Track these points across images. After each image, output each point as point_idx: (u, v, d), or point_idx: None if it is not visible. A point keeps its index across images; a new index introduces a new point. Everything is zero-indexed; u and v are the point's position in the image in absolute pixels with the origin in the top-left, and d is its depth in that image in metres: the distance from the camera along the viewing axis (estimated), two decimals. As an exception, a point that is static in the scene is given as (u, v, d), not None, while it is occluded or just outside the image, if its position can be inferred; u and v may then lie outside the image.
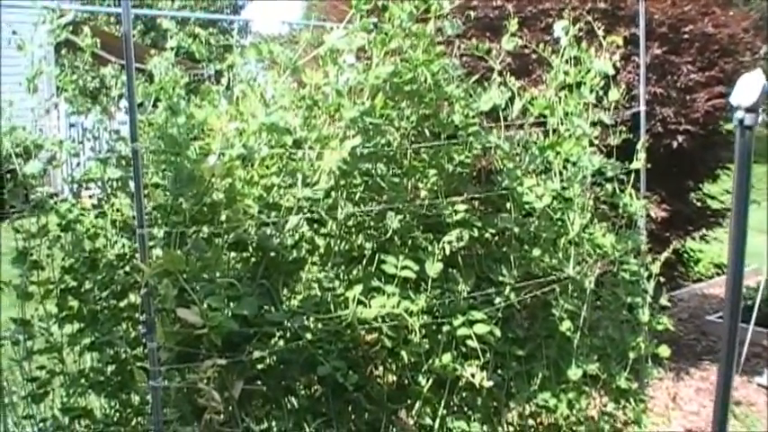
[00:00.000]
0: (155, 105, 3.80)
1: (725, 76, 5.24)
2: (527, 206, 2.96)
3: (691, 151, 5.19)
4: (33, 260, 3.60)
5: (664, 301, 3.69)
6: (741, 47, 5.44)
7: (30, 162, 3.73)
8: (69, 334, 3.59)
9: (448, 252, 2.66)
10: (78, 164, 3.90)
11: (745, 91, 1.40)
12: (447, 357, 2.67)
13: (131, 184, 3.15)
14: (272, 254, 2.39)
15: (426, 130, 2.80)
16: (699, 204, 5.95)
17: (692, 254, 6.52)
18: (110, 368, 3.61)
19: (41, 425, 3.66)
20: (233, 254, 2.47)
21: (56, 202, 3.68)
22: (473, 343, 2.64)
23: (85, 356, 3.66)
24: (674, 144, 5.04)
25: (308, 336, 2.44)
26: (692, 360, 6.07)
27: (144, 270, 2.19)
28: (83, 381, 3.61)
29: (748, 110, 1.38)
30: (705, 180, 5.95)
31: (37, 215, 3.58)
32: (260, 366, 2.49)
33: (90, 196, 3.77)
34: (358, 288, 2.43)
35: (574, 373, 3.09)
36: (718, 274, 8.60)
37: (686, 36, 5.15)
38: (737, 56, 5.44)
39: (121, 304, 3.55)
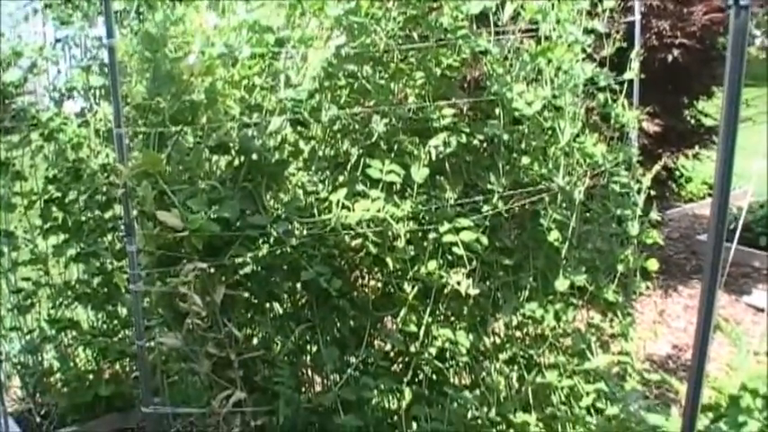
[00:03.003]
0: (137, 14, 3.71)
1: (724, -11, 5.11)
2: (516, 113, 2.89)
3: (686, 66, 5.10)
4: (15, 171, 3.55)
5: (653, 215, 3.65)
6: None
7: (9, 70, 3.65)
8: (54, 245, 3.59)
9: (434, 157, 2.61)
10: (59, 71, 3.80)
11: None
12: (433, 264, 2.64)
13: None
14: (255, 156, 2.33)
15: (414, 33, 2.71)
16: (693, 121, 5.87)
17: (684, 172, 6.47)
18: (96, 280, 3.61)
19: (28, 336, 3.67)
20: (214, 156, 2.41)
21: (37, 111, 3.61)
22: (459, 250, 2.60)
23: (71, 268, 3.66)
24: (670, 58, 4.94)
25: (292, 241, 2.40)
26: (681, 278, 6.09)
27: (122, 171, 2.14)
28: (69, 292, 3.62)
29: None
30: (700, 97, 5.85)
31: (18, 125, 3.53)
32: (243, 272, 2.46)
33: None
34: (342, 192, 2.38)
35: (561, 283, 3.08)
36: (709, 195, 8.56)
37: (686, -54, 5.02)
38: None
39: (106, 215, 3.52)
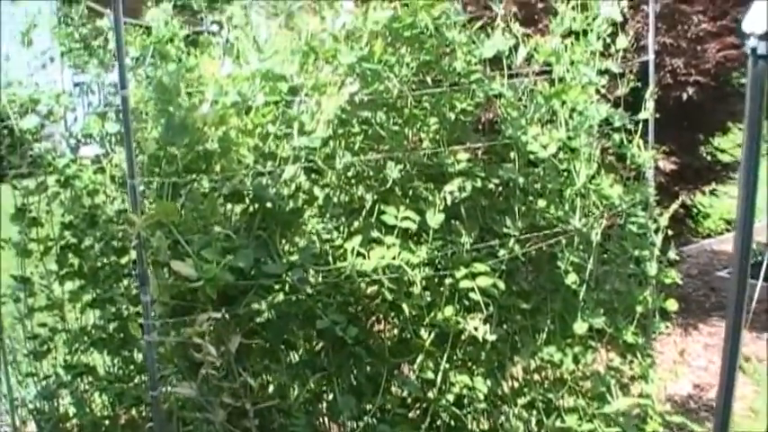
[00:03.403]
0: (153, 58, 3.74)
1: (737, 26, 5.10)
2: (532, 156, 2.88)
3: (701, 103, 5.07)
4: (32, 217, 3.55)
5: (672, 254, 3.62)
6: (755, -5, 5.27)
7: (26, 117, 3.67)
8: (70, 291, 3.56)
9: (450, 203, 2.59)
10: (76, 119, 3.82)
11: (758, 17, 1.31)
12: (449, 310, 2.61)
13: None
14: (269, 204, 2.32)
15: (427, 78, 2.71)
16: (709, 158, 5.84)
17: (701, 209, 6.42)
18: (111, 325, 3.59)
19: (44, 382, 3.65)
20: (228, 205, 2.40)
21: (54, 157, 3.63)
22: (476, 296, 2.58)
23: (87, 313, 3.64)
24: (684, 96, 4.92)
25: (307, 288, 2.38)
26: (701, 316, 6.01)
27: (135, 222, 2.13)
28: (85, 338, 3.59)
29: (762, 37, 1.30)
30: (716, 133, 5.83)
31: (35, 171, 3.54)
32: (258, 320, 2.44)
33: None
34: (357, 239, 2.36)
35: (580, 326, 3.03)
36: (727, 230, 8.51)
37: (698, -17, 5.01)
38: (750, 4, 5.28)
39: (122, 261, 3.51)
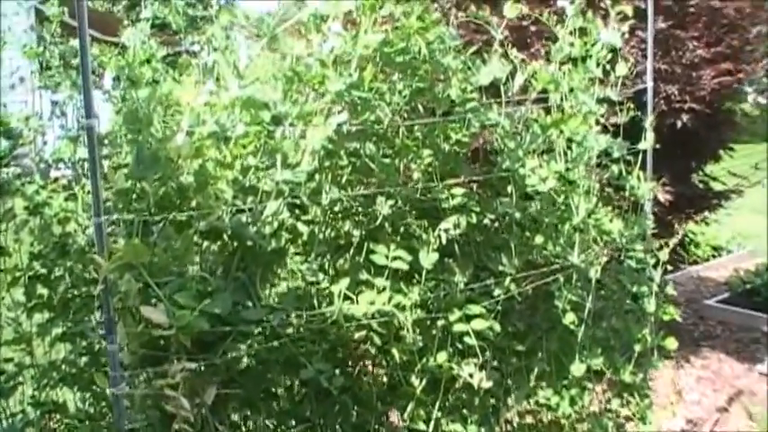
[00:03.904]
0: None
1: (732, 53, 5.01)
2: (529, 189, 2.72)
3: (695, 131, 4.97)
4: (-1, 245, 3.41)
5: (670, 290, 3.49)
6: (748, 21, 5.19)
7: (-7, 141, 3.52)
8: (39, 324, 3.42)
9: (444, 240, 2.42)
10: (46, 142, 3.66)
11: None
12: (442, 356, 2.44)
13: (105, 163, 2.93)
14: (249, 243, 2.13)
15: (420, 106, 2.54)
16: (701, 186, 5.74)
17: (693, 236, 6.34)
18: (82, 359, 3.42)
19: (11, 420, 3.48)
20: (205, 244, 2.21)
21: (23, 183, 3.48)
22: (471, 340, 2.40)
23: (57, 347, 3.48)
24: (679, 123, 4.81)
25: (290, 332, 2.20)
26: (691, 346, 5.91)
27: (102, 264, 1.94)
28: (54, 373, 3.44)
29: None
30: (708, 161, 5.74)
31: (2, 197, 3.39)
32: (236, 368, 2.25)
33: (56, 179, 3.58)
34: (345, 282, 2.18)
35: (577, 368, 2.88)
36: (713, 257, 8.44)
37: (692, 9, 4.91)
38: (744, 31, 5.20)
39: (94, 292, 3.35)
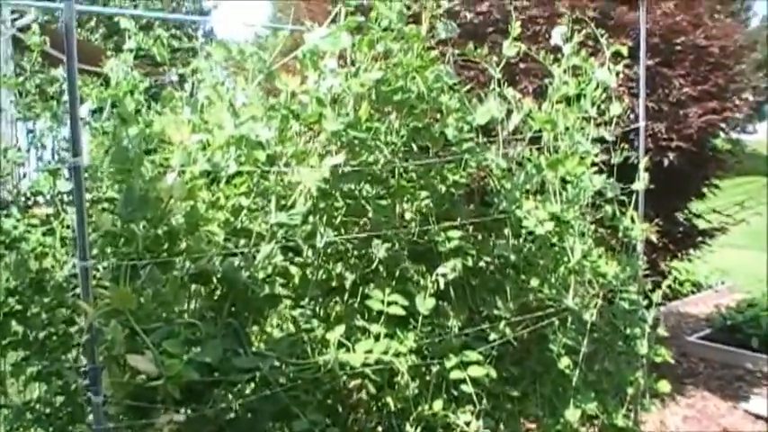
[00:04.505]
0: (112, 111, 3.50)
1: (717, 91, 5.00)
2: (524, 230, 2.66)
3: (680, 168, 4.94)
4: (-27, 281, 3.31)
5: (661, 330, 3.43)
6: (733, 60, 5.20)
7: (-31, 173, 3.43)
8: (13, 363, 3.31)
9: (441, 285, 2.34)
10: (25, 174, 3.57)
11: None
12: (438, 404, 2.35)
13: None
14: (241, 288, 2.04)
15: (415, 146, 2.47)
16: (686, 223, 5.72)
17: (677, 273, 6.33)
18: (58, 399, 3.32)
19: (-18, 463, 3.36)
20: (194, 288, 2.11)
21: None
22: (468, 388, 2.32)
23: (32, 387, 3.38)
24: (666, 161, 4.78)
25: (282, 381, 2.10)
26: (675, 384, 5.84)
27: (87, 310, 1.84)
28: (28, 413, 3.33)
29: None
30: (692, 198, 5.72)
31: (-23, 231, 3.30)
32: (226, 417, 2.15)
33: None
34: (339, 329, 2.09)
35: (572, 414, 2.81)
36: (693, 293, 8.45)
37: (679, 48, 4.91)
38: (728, 70, 5.21)
39: (71, 329, 3.26)
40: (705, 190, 5.77)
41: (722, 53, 5.06)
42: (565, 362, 2.79)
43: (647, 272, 3.55)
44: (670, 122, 4.78)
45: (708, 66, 5.00)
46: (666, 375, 5.74)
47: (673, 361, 3.65)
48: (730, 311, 7.00)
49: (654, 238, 3.82)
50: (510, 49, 2.65)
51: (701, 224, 5.86)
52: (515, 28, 2.69)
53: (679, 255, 5.55)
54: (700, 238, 5.69)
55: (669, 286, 6.18)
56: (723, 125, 5.24)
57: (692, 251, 5.84)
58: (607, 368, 3.20)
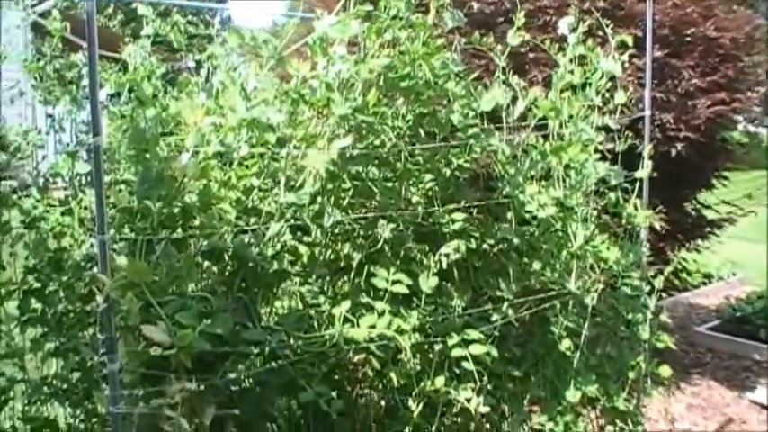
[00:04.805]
0: (129, 96, 3.59)
1: (727, 82, 5.04)
2: (527, 215, 2.74)
3: (688, 159, 4.99)
4: (-6, 259, 3.39)
5: (664, 317, 3.50)
6: (743, 51, 5.24)
7: (-8, 154, 3.53)
8: (32, 338, 3.40)
9: (445, 265, 2.42)
10: (45, 156, 3.66)
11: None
12: (440, 380, 2.44)
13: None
14: (251, 264, 2.13)
15: (422, 131, 2.55)
16: (694, 214, 5.76)
17: (684, 263, 6.35)
18: (75, 375, 3.41)
19: (0, 435, 3.46)
20: (206, 264, 2.21)
21: (20, 197, 3.48)
22: (469, 365, 2.40)
23: (49, 362, 3.47)
24: (673, 151, 4.83)
25: (289, 354, 2.20)
26: (681, 374, 5.90)
27: (104, 282, 1.94)
28: (45, 388, 3.42)
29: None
30: (701, 189, 5.76)
31: (-1, 210, 3.39)
32: (234, 388, 2.24)
33: (63, 188, 3.59)
34: (345, 305, 2.18)
35: (572, 395, 2.89)
36: (704, 284, 8.47)
37: (688, 39, 4.95)
38: (739, 61, 5.24)
39: (88, 308, 3.35)
40: (714, 181, 5.80)
41: (733, 44, 5.09)
42: (566, 344, 2.86)
43: (653, 260, 3.61)
44: (678, 113, 4.83)
45: (717, 57, 5.03)
46: (673, 364, 5.82)
47: (675, 347, 3.70)
48: (740, 303, 7.03)
49: (658, 226, 3.90)
50: (514, 38, 2.73)
51: (711, 215, 5.90)
52: (520, 18, 2.75)
53: (687, 244, 5.60)
54: (708, 229, 5.73)
55: (678, 276, 6.26)
56: (733, 116, 5.28)
57: (699, 241, 5.88)
58: (609, 352, 3.27)
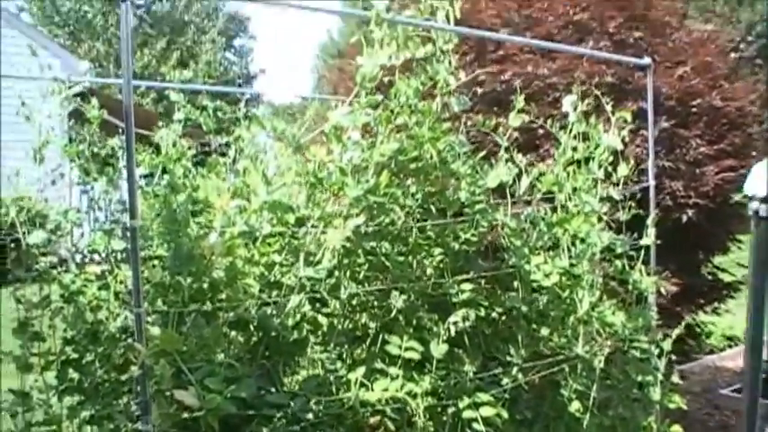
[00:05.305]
0: (162, 176, 3.81)
1: (734, 149, 5.21)
2: (535, 284, 2.91)
3: (701, 224, 5.13)
4: (34, 331, 3.55)
5: (675, 378, 3.60)
6: (749, 119, 5.42)
7: (34, 232, 3.72)
8: (69, 406, 3.52)
9: (453, 332, 2.59)
10: (83, 234, 3.87)
11: (758, 180, 1.36)
12: (452, 442, 2.59)
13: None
14: (273, 334, 2.33)
15: (432, 207, 2.75)
16: (710, 277, 5.87)
17: (703, 327, 6.41)
18: (109, 441, 3.54)
19: (35, 501, 3.58)
20: (233, 333, 2.41)
21: (59, 272, 3.65)
22: (479, 426, 2.55)
23: (85, 430, 3.60)
24: (684, 218, 4.98)
25: (310, 416, 2.37)
26: (705, 437, 5.92)
27: (140, 350, 2.14)
28: (81, 455, 3.54)
29: (763, 200, 1.34)
30: (716, 252, 5.87)
31: (40, 285, 3.56)
32: (259, 449, 2.41)
33: (98, 263, 3.76)
34: (361, 370, 2.36)
35: (585, 456, 3.00)
36: (730, 347, 8.47)
37: (694, 109, 5.14)
38: (746, 128, 5.42)
39: (123, 377, 3.50)
40: (730, 244, 5.91)
41: (738, 113, 5.27)
42: (575, 405, 2.99)
43: (669, 323, 3.72)
44: (687, 181, 4.99)
45: (724, 125, 5.21)
46: (698, 427, 5.85)
47: (695, 408, 3.78)
48: (765, 364, 7.03)
49: (663, 290, 4.02)
50: (515, 119, 2.93)
51: (727, 278, 5.99)
52: (520, 101, 2.96)
53: (704, 307, 5.69)
54: (725, 292, 5.82)
55: (696, 339, 6.31)
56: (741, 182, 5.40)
57: (719, 305, 5.96)
58: (622, 414, 3.37)
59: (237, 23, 33.73)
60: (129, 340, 3.21)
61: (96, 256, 3.83)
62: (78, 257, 3.84)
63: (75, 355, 3.53)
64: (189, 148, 3.89)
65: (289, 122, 2.59)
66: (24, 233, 3.59)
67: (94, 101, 3.84)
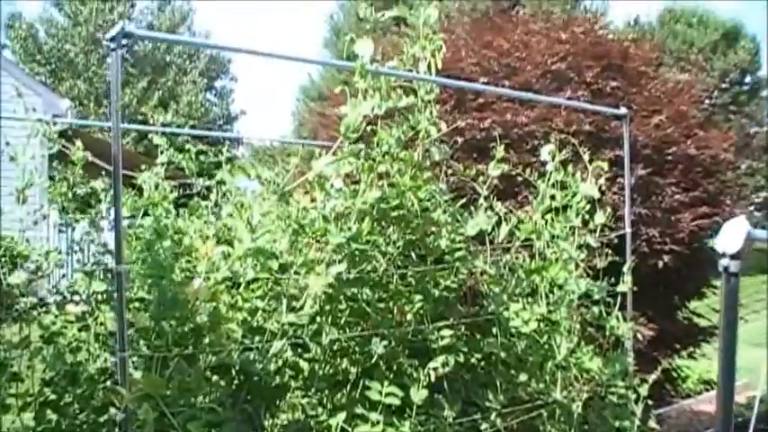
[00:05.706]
0: (144, 218, 3.83)
1: (708, 196, 5.31)
2: (513, 329, 2.95)
3: (676, 270, 5.21)
4: (13, 371, 3.54)
5: (652, 423, 3.64)
6: (723, 166, 5.53)
7: (14, 272, 3.72)
8: (47, 449, 3.52)
9: (433, 378, 2.62)
10: (64, 275, 3.87)
11: (729, 238, 1.42)
12: (431, 490, 2.61)
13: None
14: (255, 379, 2.35)
15: (413, 254, 2.80)
16: (686, 322, 5.94)
17: (680, 371, 6.47)
18: (88, 485, 3.51)
19: None
20: (215, 378, 2.43)
21: (39, 313, 3.64)
22: (459, 473, 2.58)
23: (62, 473, 3.58)
24: (660, 264, 5.06)
25: (290, 463, 2.39)
26: (683, 481, 5.94)
27: (123, 394, 2.15)
28: (58, 499, 3.51)
29: (733, 257, 1.40)
30: (691, 298, 5.95)
31: (20, 325, 3.55)
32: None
33: (77, 303, 3.76)
34: (341, 415, 2.38)
35: (563, 500, 3.02)
36: (706, 390, 8.51)
37: (670, 158, 5.25)
38: (720, 175, 5.53)
39: (101, 419, 3.48)
40: (705, 290, 5.99)
41: (712, 161, 5.39)
42: (554, 451, 3.02)
43: (647, 368, 3.77)
44: (663, 227, 5.08)
45: (698, 173, 5.32)
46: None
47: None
48: (740, 408, 7.08)
49: (640, 336, 4.08)
50: (494, 169, 3.00)
51: (703, 323, 6.06)
52: (500, 151, 3.02)
53: (680, 352, 5.75)
54: (700, 336, 5.89)
55: (672, 384, 6.36)
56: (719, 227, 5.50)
57: (695, 349, 6.03)
58: (599, 460, 3.40)
59: (219, 65, 33.85)
60: (109, 382, 3.21)
61: (76, 297, 3.83)
62: (59, 298, 3.84)
63: (53, 397, 3.51)
64: (171, 191, 3.93)
65: (269, 166, 2.63)
66: (5, 273, 3.59)
67: (79, 143, 3.87)
